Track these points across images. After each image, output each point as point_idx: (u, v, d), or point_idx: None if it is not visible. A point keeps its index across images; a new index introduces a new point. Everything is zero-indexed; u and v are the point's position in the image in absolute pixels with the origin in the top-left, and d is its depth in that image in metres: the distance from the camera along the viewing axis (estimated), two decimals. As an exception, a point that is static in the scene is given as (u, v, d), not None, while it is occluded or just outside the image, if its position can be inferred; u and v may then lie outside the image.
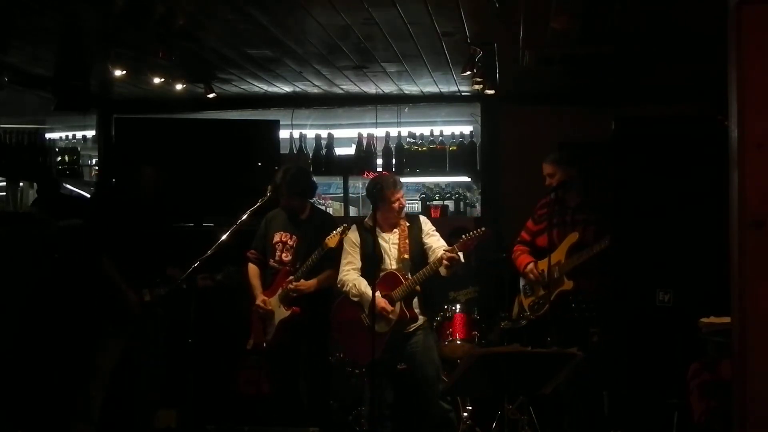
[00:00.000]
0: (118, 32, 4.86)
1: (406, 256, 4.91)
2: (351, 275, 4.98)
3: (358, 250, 5.01)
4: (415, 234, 4.98)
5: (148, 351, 5.01)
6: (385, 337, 4.85)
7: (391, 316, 4.82)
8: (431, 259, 4.87)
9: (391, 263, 4.94)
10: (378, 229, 4.97)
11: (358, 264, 5.01)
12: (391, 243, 4.98)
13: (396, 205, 4.93)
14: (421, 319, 4.95)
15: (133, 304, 4.85)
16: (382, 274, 4.86)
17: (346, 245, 5.03)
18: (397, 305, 4.83)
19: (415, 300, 4.90)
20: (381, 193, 4.88)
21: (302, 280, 4.98)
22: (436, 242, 4.96)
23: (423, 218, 5.13)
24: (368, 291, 4.77)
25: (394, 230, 5.00)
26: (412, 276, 4.83)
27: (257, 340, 5.13)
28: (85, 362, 4.86)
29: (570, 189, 4.94)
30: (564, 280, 4.83)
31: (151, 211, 5.14)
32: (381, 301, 4.79)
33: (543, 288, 4.89)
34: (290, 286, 4.93)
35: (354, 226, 5.09)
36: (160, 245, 5.07)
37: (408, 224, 5.00)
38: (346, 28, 4.79)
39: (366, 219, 5.12)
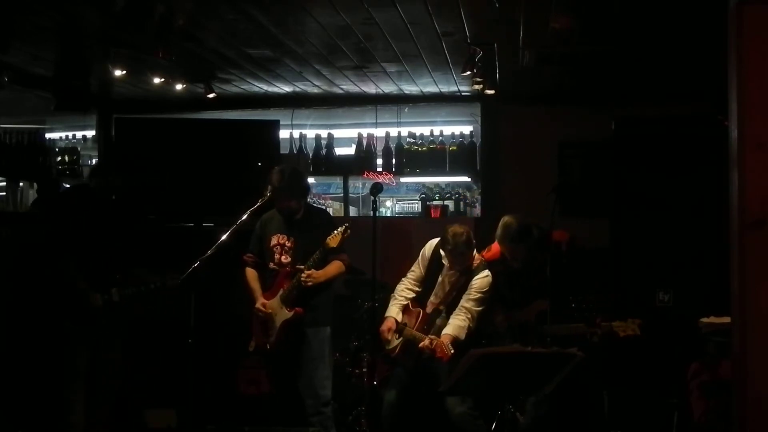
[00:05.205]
0: (118, 32, 4.86)
1: (442, 307, 4.93)
2: (400, 289, 5.13)
3: (424, 264, 5.10)
4: (464, 290, 4.93)
5: (110, 352, 4.95)
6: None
7: (385, 343, 4.95)
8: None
9: (431, 299, 5.00)
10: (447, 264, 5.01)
11: (420, 274, 5.12)
12: (446, 282, 5.00)
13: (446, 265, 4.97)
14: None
15: (95, 305, 4.79)
16: (416, 308, 5.01)
17: (420, 255, 5.14)
18: (399, 341, 4.93)
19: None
20: (441, 241, 4.98)
21: (313, 270, 4.94)
22: (462, 304, 4.89)
23: (480, 279, 4.95)
24: (390, 309, 5.05)
25: (458, 273, 4.96)
26: (429, 329, 4.89)
27: (259, 342, 5.10)
28: (61, 365, 4.84)
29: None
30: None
31: (121, 208, 5.07)
32: (389, 323, 4.96)
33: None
34: (303, 276, 4.87)
35: (438, 241, 5.07)
36: (129, 244, 5.00)
37: (471, 275, 4.94)
38: (346, 28, 4.78)
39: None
